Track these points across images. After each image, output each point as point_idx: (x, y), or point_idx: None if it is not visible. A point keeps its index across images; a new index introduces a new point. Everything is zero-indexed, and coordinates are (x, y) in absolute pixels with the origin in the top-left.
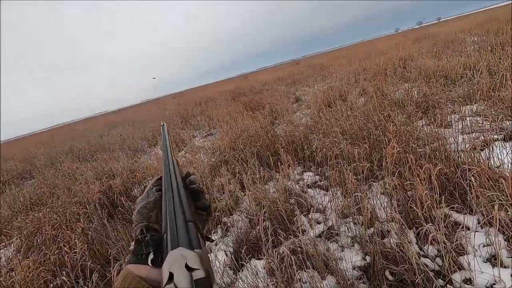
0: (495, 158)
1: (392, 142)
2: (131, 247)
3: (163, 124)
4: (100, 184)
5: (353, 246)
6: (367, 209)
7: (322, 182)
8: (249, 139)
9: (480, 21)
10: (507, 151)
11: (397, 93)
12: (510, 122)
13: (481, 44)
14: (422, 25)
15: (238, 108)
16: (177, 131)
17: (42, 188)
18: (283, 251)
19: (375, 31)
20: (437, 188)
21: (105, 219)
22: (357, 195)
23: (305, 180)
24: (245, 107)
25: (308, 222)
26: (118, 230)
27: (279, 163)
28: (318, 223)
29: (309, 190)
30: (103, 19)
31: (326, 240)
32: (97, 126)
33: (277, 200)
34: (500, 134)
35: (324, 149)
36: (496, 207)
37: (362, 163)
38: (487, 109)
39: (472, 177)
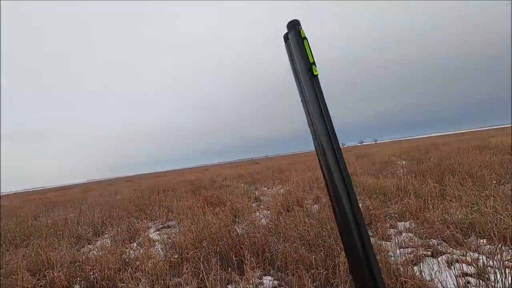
0: (425, 273)
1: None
2: None
3: None
4: (39, 278)
5: None
6: None
7: None
8: (211, 237)
9: (407, 149)
10: (436, 267)
11: None
12: (435, 240)
13: (408, 168)
14: (363, 144)
15: (198, 202)
16: (132, 220)
17: None
18: None
19: None
20: None
21: None
22: None
23: (264, 285)
24: (206, 202)
25: None
26: None
27: (243, 266)
28: None
29: None
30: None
31: None
32: (31, 204)
33: None
34: (428, 250)
35: (285, 254)
36: None
37: (319, 270)
38: (417, 227)
39: None
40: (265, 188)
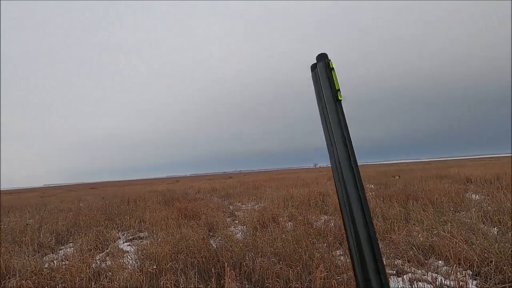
0: None
1: (320, 267)
2: None
3: None
4: (4, 286)
5: None
6: None
7: None
8: (188, 249)
9: (374, 173)
10: (399, 285)
11: (319, 222)
12: (400, 260)
13: (376, 192)
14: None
15: (173, 214)
16: (101, 229)
17: None
18: None
19: (299, 162)
20: None
21: None
22: None
23: None
24: (180, 214)
25: None
26: None
27: (220, 279)
28: None
29: None
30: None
31: None
32: None
33: None
34: (393, 269)
35: (263, 268)
36: None
37: (296, 284)
38: (383, 248)
39: None
40: (239, 204)
